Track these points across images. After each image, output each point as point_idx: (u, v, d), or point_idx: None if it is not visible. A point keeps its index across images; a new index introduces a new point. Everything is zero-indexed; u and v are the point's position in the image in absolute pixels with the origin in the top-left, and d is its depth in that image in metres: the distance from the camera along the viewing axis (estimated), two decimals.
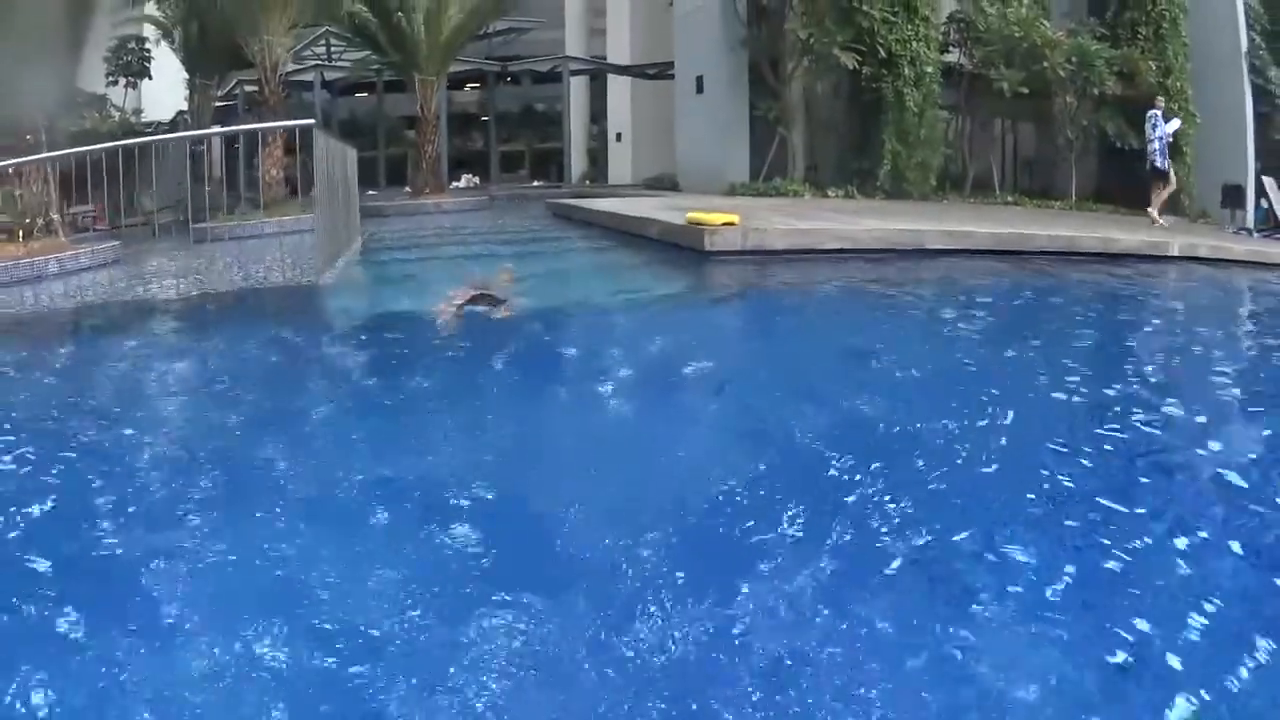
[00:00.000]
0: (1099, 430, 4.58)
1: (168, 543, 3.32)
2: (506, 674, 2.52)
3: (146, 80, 23.67)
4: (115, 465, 4.29)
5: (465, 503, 3.66)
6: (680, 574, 3.07)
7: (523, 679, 2.52)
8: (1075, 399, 5.17)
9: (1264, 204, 18.38)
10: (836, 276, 9.50)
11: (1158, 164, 15.10)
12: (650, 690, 2.45)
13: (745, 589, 2.95)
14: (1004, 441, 4.38)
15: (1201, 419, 5.00)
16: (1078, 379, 5.59)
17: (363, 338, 7.39)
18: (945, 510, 3.60)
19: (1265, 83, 20.33)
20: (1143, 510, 3.65)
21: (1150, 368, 6.40)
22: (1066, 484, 3.87)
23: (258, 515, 3.58)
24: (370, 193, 21.29)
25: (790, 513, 3.53)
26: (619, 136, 28.94)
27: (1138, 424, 4.72)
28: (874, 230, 10.87)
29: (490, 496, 3.76)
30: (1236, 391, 5.75)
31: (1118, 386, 5.54)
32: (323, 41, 25.67)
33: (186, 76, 21.54)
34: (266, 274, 10.48)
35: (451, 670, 2.52)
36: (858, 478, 3.87)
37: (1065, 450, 4.29)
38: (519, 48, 30.88)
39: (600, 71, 29.50)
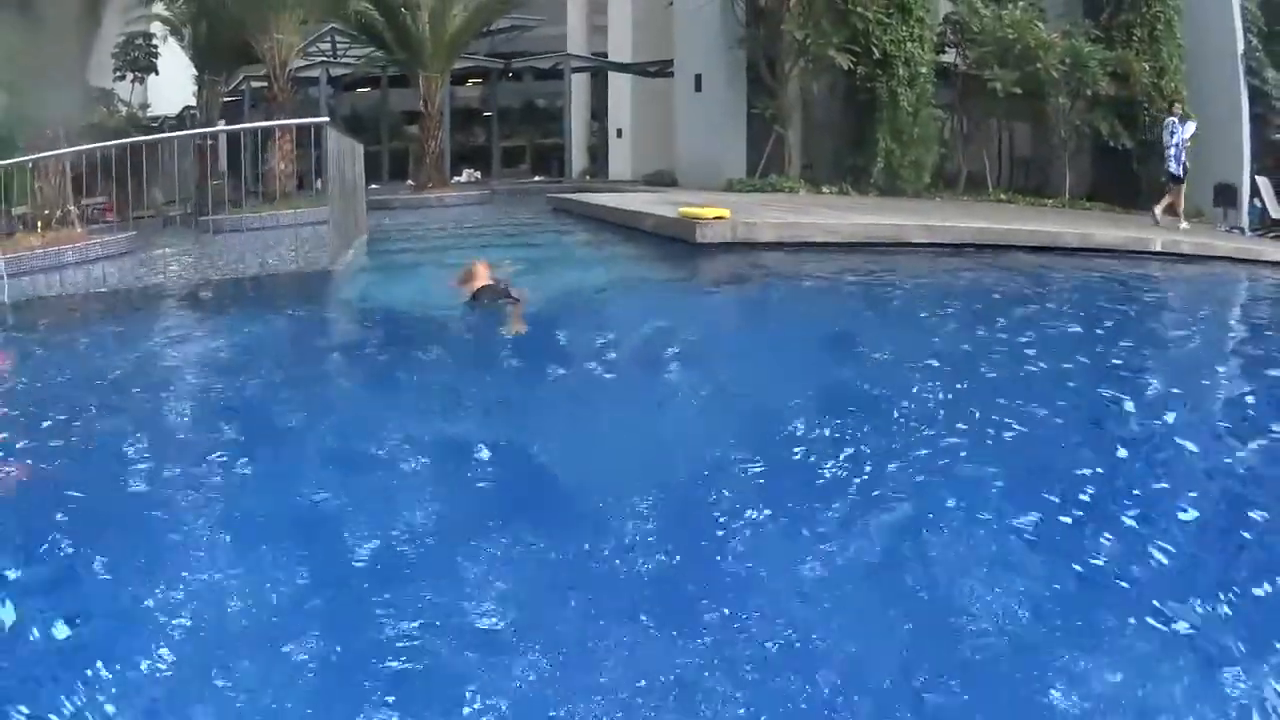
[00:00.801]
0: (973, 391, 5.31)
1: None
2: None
3: (153, 75, 24.20)
4: (206, 411, 5.11)
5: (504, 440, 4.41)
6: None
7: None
8: (996, 371, 5.84)
9: (1257, 203, 18.67)
10: (817, 267, 10.06)
11: (1173, 169, 15.49)
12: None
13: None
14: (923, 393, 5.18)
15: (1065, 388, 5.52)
16: (1008, 352, 6.26)
17: (378, 315, 8.24)
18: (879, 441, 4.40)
19: (1261, 84, 20.55)
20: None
21: (1093, 348, 6.86)
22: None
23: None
24: (373, 186, 21.70)
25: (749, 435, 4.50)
26: (619, 133, 29.05)
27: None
28: (858, 225, 11.35)
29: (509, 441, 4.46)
30: (1148, 371, 6.21)
31: (1043, 364, 6.03)
32: (328, 38, 26.03)
33: (195, 73, 21.95)
34: (282, 262, 11.01)
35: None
36: (801, 417, 4.71)
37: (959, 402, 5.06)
38: (522, 44, 31.17)
39: (601, 69, 29.82)
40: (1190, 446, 4.50)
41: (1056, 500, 3.65)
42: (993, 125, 21.90)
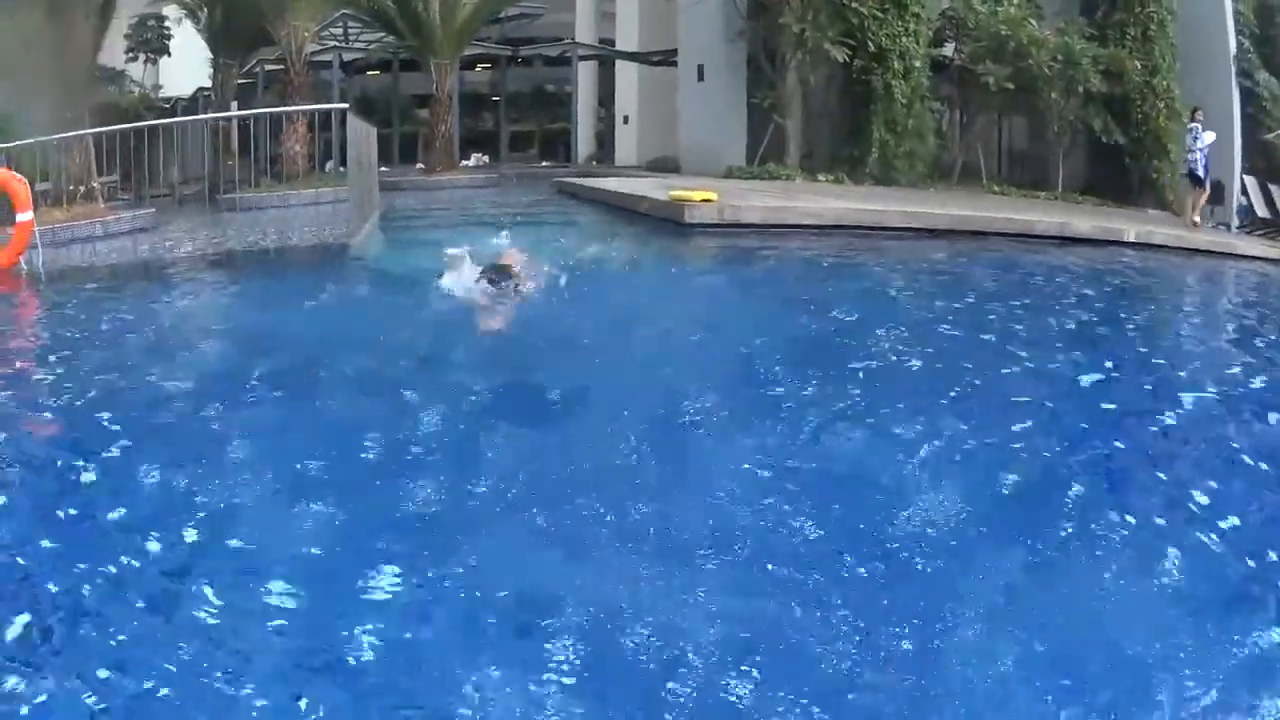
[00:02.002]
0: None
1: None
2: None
3: (165, 57, 24.74)
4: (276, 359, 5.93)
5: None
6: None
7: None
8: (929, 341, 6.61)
9: (1243, 201, 19.24)
10: (793, 245, 10.90)
11: (1198, 173, 16.26)
12: None
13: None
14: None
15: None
16: (935, 321, 7.18)
17: (398, 275, 9.52)
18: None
19: (1253, 85, 21.05)
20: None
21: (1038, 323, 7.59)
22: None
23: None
24: (383, 169, 22.31)
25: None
26: (626, 119, 29.51)
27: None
28: (838, 209, 12.05)
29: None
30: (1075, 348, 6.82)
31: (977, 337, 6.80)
32: (340, 23, 26.53)
33: (210, 56, 22.48)
34: (304, 236, 11.89)
35: None
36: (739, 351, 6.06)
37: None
38: (532, 30, 31.54)
39: (607, 57, 30.26)
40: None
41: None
42: (988, 119, 22.27)
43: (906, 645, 2.71)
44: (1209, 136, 16.35)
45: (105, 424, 4.53)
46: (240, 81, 24.25)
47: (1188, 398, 5.32)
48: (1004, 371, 5.76)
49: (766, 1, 19.76)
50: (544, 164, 30.34)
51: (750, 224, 11.62)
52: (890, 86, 19.28)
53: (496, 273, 7.68)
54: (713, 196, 11.96)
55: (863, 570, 3.15)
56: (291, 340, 6.47)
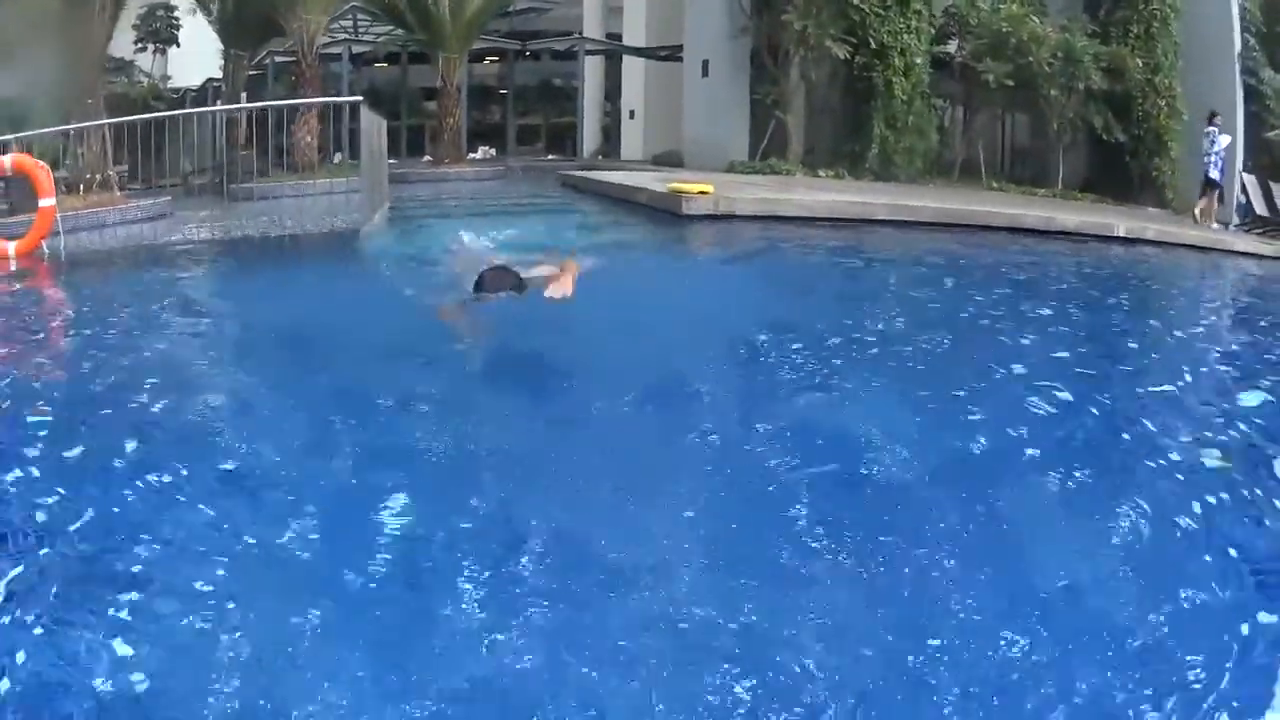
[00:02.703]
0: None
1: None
2: None
3: (174, 48, 25.10)
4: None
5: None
6: None
7: None
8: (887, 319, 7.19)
9: (1241, 199, 19.40)
10: (780, 235, 11.46)
11: (1214, 176, 16.91)
12: None
13: None
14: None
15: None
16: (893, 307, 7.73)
17: (412, 257, 10.10)
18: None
19: (1257, 83, 21.17)
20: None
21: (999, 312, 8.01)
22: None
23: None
24: (391, 161, 22.64)
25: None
26: (631, 114, 29.87)
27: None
28: (827, 201, 12.66)
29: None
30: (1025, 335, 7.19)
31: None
32: (350, 16, 26.84)
33: (221, 48, 22.82)
34: (318, 223, 12.35)
35: None
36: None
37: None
38: (540, 23, 31.83)
39: (614, 52, 30.55)
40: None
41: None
42: (990, 116, 22.49)
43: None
44: (1225, 140, 16.86)
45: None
46: (250, 73, 24.59)
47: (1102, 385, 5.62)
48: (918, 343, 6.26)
49: None
50: (550, 157, 30.54)
51: (743, 215, 12.19)
52: (891, 83, 19.59)
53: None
54: (709, 189, 12.55)
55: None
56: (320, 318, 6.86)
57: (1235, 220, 19.07)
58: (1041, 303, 8.32)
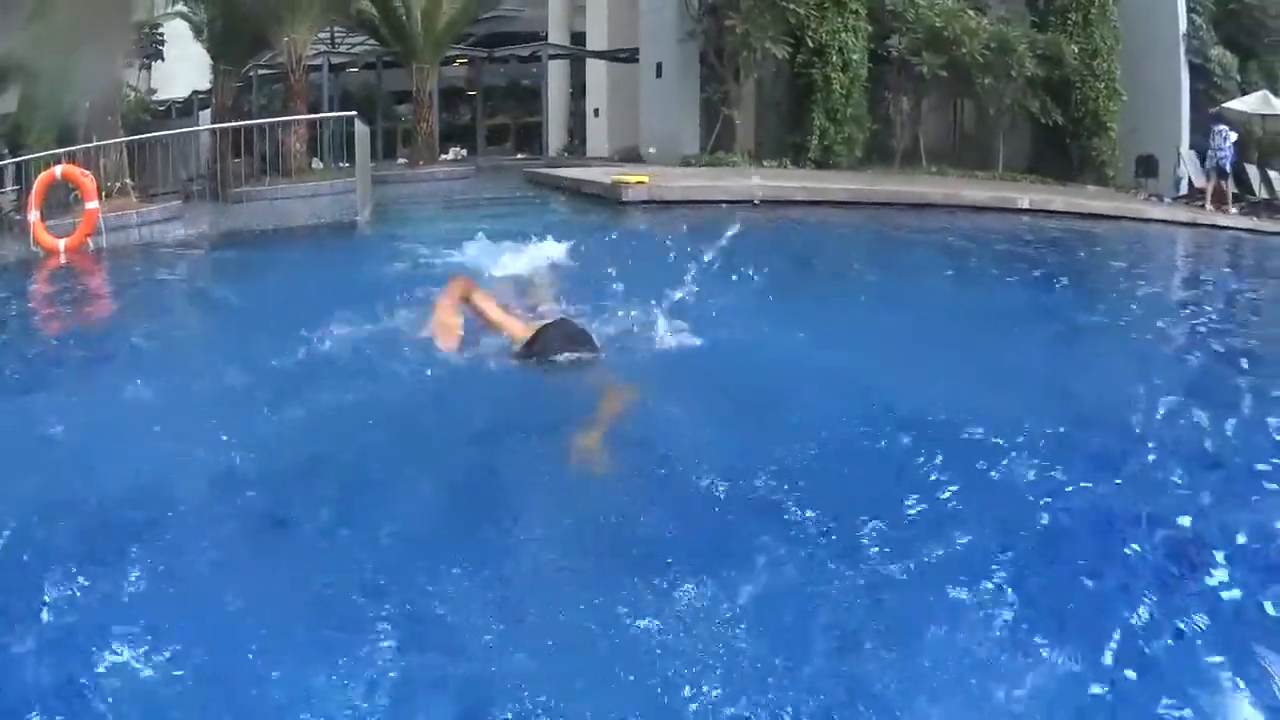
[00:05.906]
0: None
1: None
2: None
3: (158, 62, 26.67)
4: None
5: None
6: None
7: None
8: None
9: (1178, 173, 20.83)
10: (702, 213, 13.27)
11: (1225, 169, 18.85)
12: None
13: None
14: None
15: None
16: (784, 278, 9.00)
17: (404, 239, 11.76)
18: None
19: (1205, 62, 22.21)
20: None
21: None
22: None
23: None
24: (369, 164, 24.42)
25: None
26: (596, 112, 30.90)
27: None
28: (749, 186, 14.69)
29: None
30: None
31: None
32: (328, 29, 28.22)
33: (211, 63, 24.37)
34: (319, 218, 14.41)
35: None
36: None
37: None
38: (506, 25, 32.88)
39: (576, 56, 31.75)
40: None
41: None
42: (930, 105, 23.81)
43: None
44: (1232, 136, 18.71)
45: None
46: (237, 85, 26.10)
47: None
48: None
49: (716, 3, 21.74)
50: (519, 156, 31.71)
51: (674, 200, 14.38)
52: (830, 79, 21.05)
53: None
54: (645, 179, 14.90)
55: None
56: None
57: (1171, 192, 20.43)
58: (895, 266, 10.21)
